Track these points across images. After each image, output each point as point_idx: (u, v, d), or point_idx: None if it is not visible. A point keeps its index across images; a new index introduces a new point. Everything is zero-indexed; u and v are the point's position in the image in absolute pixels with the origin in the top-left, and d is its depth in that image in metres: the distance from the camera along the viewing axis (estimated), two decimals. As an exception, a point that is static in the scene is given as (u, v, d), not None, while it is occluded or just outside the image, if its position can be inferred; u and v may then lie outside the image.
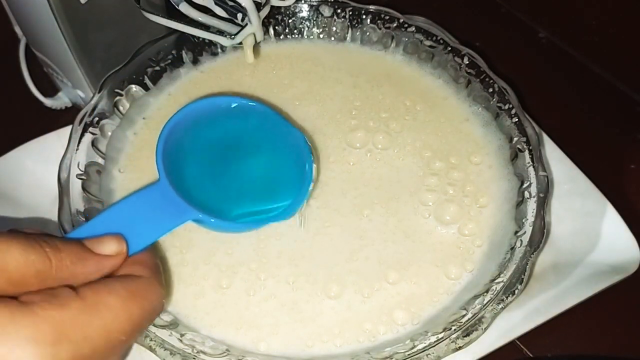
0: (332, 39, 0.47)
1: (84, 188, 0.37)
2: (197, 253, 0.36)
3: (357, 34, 0.47)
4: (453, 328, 0.32)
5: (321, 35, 0.47)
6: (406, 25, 0.45)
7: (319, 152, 0.41)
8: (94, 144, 0.39)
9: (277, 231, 0.37)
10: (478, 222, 0.38)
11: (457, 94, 0.44)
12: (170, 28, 0.42)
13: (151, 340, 0.31)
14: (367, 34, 0.46)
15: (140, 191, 0.29)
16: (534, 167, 0.38)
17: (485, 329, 0.32)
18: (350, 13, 0.46)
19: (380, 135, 0.41)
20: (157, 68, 0.44)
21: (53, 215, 0.35)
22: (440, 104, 0.44)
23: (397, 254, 0.36)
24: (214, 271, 0.36)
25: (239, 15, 0.40)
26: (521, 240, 0.35)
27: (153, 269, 0.28)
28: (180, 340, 0.32)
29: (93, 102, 0.40)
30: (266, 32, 0.47)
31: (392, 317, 0.34)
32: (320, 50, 0.47)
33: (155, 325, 0.32)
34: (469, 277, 0.36)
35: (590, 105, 0.51)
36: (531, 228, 0.35)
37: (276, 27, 0.47)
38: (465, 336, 0.31)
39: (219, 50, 0.46)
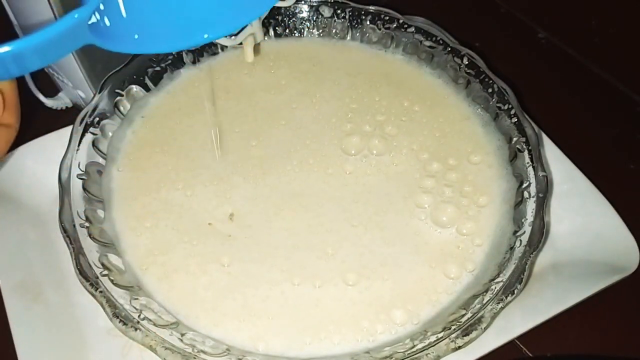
0: (332, 38, 0.47)
1: (84, 188, 0.37)
2: (198, 251, 0.36)
3: (357, 34, 0.47)
4: (453, 328, 0.32)
5: (321, 35, 0.47)
6: (406, 26, 0.45)
7: (316, 161, 0.41)
8: (94, 144, 0.39)
9: (272, 237, 0.37)
10: (477, 222, 0.38)
11: (456, 94, 0.44)
12: (171, 28, 0.42)
13: (152, 339, 0.31)
14: (367, 34, 0.47)
15: None
16: (533, 167, 0.38)
17: (485, 328, 0.32)
18: (350, 13, 0.46)
19: (376, 140, 0.41)
20: (158, 68, 0.44)
21: (54, 215, 0.35)
22: (440, 103, 0.44)
23: (394, 254, 0.36)
24: (212, 271, 0.36)
25: None
26: (520, 240, 0.35)
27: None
28: (181, 340, 0.32)
29: (94, 102, 0.40)
30: (266, 32, 0.47)
31: (390, 316, 0.34)
32: (320, 49, 0.47)
33: (155, 325, 0.32)
34: (470, 277, 0.36)
35: (589, 106, 0.51)
36: (530, 228, 0.35)
37: (276, 28, 0.47)
38: (465, 336, 0.31)
39: (219, 49, 0.46)
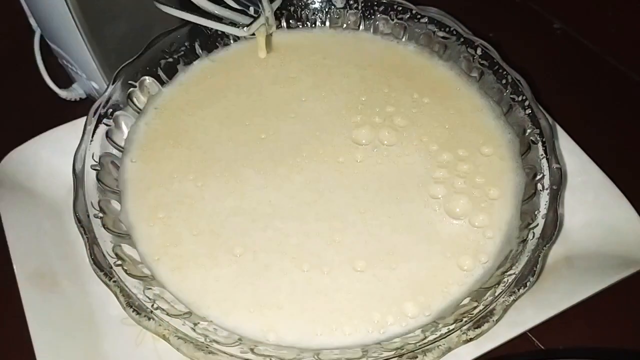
0: (344, 29, 0.47)
1: (98, 179, 0.37)
2: (209, 242, 0.37)
3: (370, 25, 0.47)
4: (464, 320, 0.32)
5: (333, 26, 0.47)
6: (419, 17, 0.45)
7: (326, 151, 0.41)
8: (108, 135, 0.39)
9: (287, 225, 0.37)
10: (490, 214, 0.37)
11: (468, 86, 0.44)
12: (184, 20, 0.42)
13: (165, 329, 0.31)
14: (379, 25, 0.46)
15: None
16: (547, 159, 0.37)
17: (497, 320, 0.32)
18: (363, 4, 0.46)
19: (386, 131, 0.41)
20: (171, 60, 0.44)
21: (68, 206, 0.35)
22: (451, 95, 0.43)
23: (407, 243, 0.36)
24: (223, 261, 0.36)
25: (251, 8, 0.40)
26: (533, 233, 0.35)
27: None
28: (194, 329, 0.32)
29: (107, 93, 0.40)
30: (279, 24, 0.47)
31: (401, 307, 0.34)
32: (331, 41, 0.47)
33: (168, 315, 0.32)
34: (482, 269, 0.36)
35: (605, 97, 0.50)
36: (544, 220, 0.35)
37: (290, 20, 0.47)
38: (477, 328, 0.31)
39: (231, 41, 0.46)
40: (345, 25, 0.47)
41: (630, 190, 0.39)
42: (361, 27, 0.47)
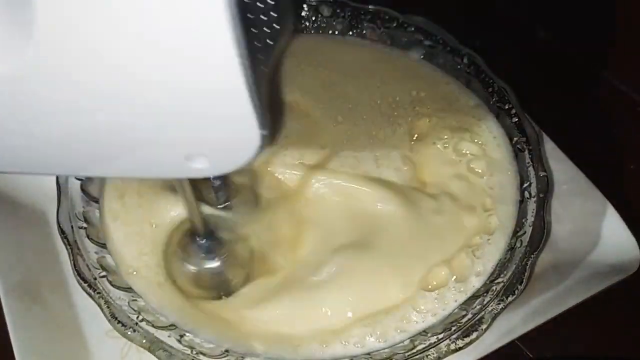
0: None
1: (82, 189, 0.37)
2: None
3: (356, 33, 0.47)
4: (453, 329, 0.32)
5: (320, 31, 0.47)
6: (405, 25, 0.45)
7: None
8: (92, 144, 0.39)
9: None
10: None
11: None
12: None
13: (150, 341, 0.31)
14: (366, 34, 0.46)
15: None
16: (533, 167, 0.38)
17: (485, 329, 0.32)
18: (350, 13, 0.46)
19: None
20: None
21: (52, 216, 0.35)
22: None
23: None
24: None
25: None
26: (521, 241, 0.35)
27: None
28: (179, 342, 0.32)
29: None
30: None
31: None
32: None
33: (154, 326, 0.32)
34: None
35: (590, 105, 0.51)
36: (531, 228, 0.35)
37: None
38: (465, 336, 0.31)
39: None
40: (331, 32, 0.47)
41: (616, 197, 0.40)
42: (348, 35, 0.47)
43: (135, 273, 0.35)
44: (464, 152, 0.40)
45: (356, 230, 0.36)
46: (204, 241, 0.34)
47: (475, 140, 0.40)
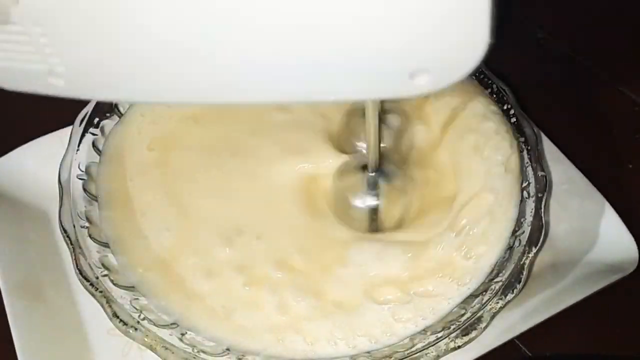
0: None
1: (84, 189, 0.37)
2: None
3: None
4: (452, 327, 0.32)
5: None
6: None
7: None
8: (94, 144, 0.39)
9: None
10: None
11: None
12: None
13: (152, 339, 0.31)
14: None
15: None
16: (532, 167, 0.38)
17: (484, 328, 0.32)
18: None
19: None
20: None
21: (54, 216, 0.35)
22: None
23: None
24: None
25: None
26: (520, 240, 0.35)
27: None
28: (181, 340, 0.32)
29: (93, 102, 0.40)
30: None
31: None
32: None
33: (156, 325, 0.32)
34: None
35: (589, 105, 0.51)
36: (530, 228, 0.35)
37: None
38: (464, 335, 0.31)
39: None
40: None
41: (615, 197, 0.40)
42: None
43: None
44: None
45: None
46: (374, 174, 0.35)
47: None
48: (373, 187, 0.35)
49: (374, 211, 0.36)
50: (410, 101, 0.39)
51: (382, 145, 0.36)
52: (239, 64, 0.22)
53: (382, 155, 0.35)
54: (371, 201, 0.36)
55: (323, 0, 0.19)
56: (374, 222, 0.36)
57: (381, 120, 0.35)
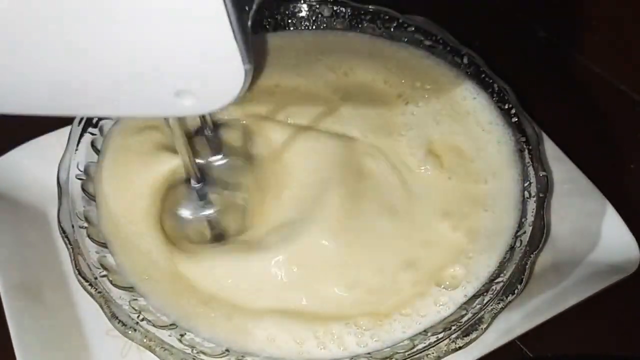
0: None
1: (83, 188, 0.37)
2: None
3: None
4: (453, 328, 0.32)
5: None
6: (405, 25, 0.45)
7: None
8: (93, 144, 0.39)
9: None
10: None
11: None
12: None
13: (150, 340, 0.31)
14: (367, 33, 0.46)
15: None
16: (533, 166, 0.38)
17: (485, 328, 0.32)
18: (350, 13, 0.46)
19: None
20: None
21: (53, 216, 0.35)
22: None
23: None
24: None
25: None
26: (521, 240, 0.35)
27: None
28: (180, 341, 0.32)
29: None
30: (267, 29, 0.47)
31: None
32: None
33: (155, 326, 0.32)
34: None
35: (590, 105, 0.51)
36: (531, 228, 0.35)
37: (276, 30, 0.47)
38: (465, 336, 0.31)
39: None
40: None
41: (616, 197, 0.40)
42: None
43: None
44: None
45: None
46: (198, 186, 0.35)
47: (475, 140, 0.40)
48: (203, 198, 0.36)
49: (211, 222, 0.36)
50: (250, 115, 0.39)
51: (218, 157, 0.37)
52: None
53: (209, 167, 0.36)
54: (203, 212, 0.36)
55: (91, 20, 0.20)
56: (214, 231, 0.36)
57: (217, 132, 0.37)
